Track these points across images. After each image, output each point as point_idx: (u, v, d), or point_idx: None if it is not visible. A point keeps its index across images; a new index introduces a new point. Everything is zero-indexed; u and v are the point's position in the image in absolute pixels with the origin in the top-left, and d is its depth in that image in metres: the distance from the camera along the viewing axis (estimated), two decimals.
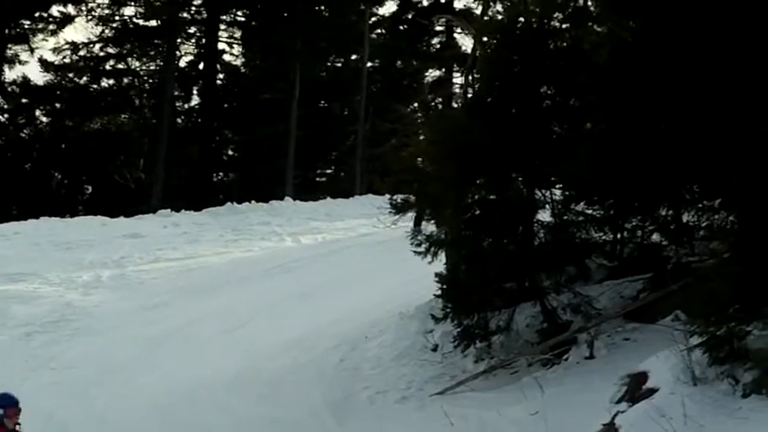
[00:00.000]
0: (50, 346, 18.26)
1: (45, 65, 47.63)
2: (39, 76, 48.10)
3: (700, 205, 13.17)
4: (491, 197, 13.65)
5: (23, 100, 49.35)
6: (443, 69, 52.20)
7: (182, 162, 49.38)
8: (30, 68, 48.36)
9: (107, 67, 48.66)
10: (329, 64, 51.95)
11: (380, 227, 24.97)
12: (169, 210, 33.92)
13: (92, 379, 16.08)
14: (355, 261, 23.76)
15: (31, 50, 47.31)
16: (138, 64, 48.95)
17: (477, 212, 13.63)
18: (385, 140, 48.44)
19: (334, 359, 15.69)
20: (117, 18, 47.44)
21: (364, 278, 21.42)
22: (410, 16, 51.07)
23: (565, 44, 13.56)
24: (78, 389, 15.64)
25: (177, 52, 47.88)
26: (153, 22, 47.31)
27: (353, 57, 51.26)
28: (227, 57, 49.93)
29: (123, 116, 50.81)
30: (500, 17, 14.63)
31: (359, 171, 46.73)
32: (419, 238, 14.30)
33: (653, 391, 8.97)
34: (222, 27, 48.53)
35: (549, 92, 13.73)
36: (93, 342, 18.24)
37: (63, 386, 15.94)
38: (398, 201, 15.44)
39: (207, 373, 15.81)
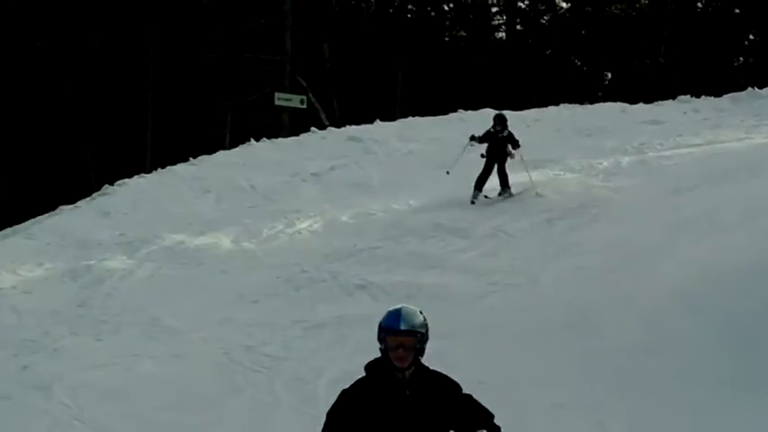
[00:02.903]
0: (571, 232, 18.43)
1: None
2: None
3: None
4: None
5: None
6: None
7: (704, 47, 48.08)
8: None
9: None
10: None
11: None
12: (689, 96, 33.20)
13: (612, 264, 16.02)
14: None
15: None
16: None
17: None
18: None
19: None
20: None
21: None
22: None
23: None
24: (599, 274, 15.65)
25: None
26: None
27: None
28: None
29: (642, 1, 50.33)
30: None
31: None
32: None
33: None
34: None
35: None
36: (614, 228, 18.17)
37: (584, 271, 16.04)
38: None
39: (731, 259, 15.25)
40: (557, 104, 32.66)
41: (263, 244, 19.67)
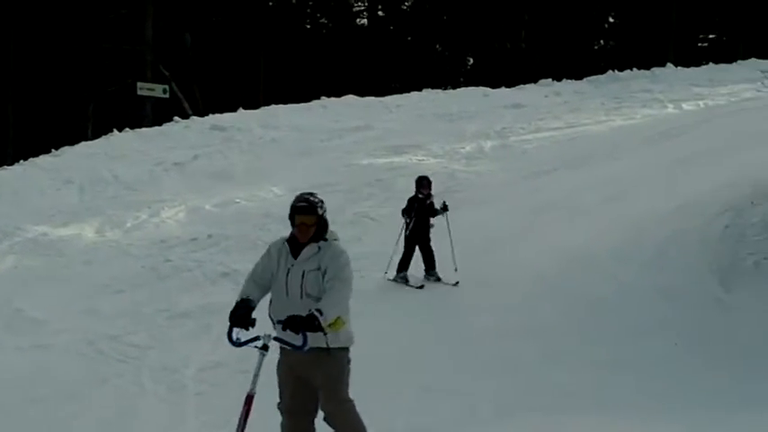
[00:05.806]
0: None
1: None
2: None
3: None
4: None
5: None
6: None
7: (564, 30, 48.89)
8: None
9: None
10: None
11: (765, 91, 23.64)
12: (550, 79, 33.81)
13: (475, 249, 16.24)
14: (739, 127, 22.69)
15: None
16: None
17: None
18: None
19: (719, 226, 15.22)
20: None
21: (748, 144, 20.45)
22: None
23: None
24: (461, 259, 15.85)
25: None
26: None
27: None
28: None
29: None
30: None
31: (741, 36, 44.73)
32: None
33: None
34: None
35: None
36: (476, 213, 18.42)
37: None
38: None
39: (591, 242, 15.66)
40: (419, 90, 32.89)
41: (126, 234, 19.44)
